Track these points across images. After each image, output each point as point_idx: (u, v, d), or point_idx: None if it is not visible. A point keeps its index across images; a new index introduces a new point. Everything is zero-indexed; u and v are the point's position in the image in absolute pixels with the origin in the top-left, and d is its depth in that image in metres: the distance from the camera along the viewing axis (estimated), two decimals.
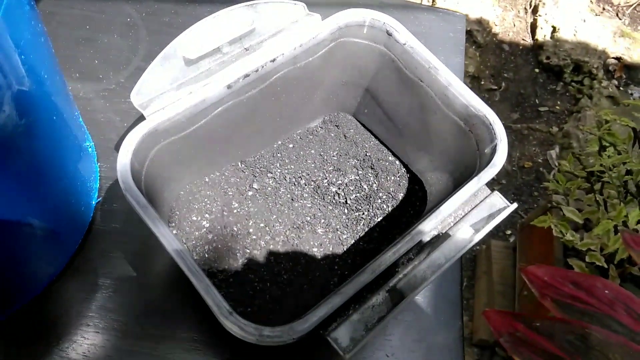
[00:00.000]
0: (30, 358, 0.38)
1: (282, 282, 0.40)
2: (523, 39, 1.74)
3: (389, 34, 0.41)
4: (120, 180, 0.33)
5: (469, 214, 0.37)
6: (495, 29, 1.75)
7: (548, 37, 1.70)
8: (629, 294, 0.74)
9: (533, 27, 1.73)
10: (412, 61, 0.41)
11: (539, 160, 1.54)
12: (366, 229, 0.44)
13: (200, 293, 0.30)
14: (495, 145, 0.37)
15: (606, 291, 0.82)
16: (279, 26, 0.41)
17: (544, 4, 1.76)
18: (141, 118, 0.47)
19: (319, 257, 0.42)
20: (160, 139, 0.36)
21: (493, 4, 1.81)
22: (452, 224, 0.37)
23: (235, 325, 0.30)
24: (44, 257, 0.39)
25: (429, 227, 0.34)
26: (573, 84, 1.61)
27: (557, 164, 1.47)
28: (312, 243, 0.43)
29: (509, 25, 1.77)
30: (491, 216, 0.37)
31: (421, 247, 0.36)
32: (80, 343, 0.39)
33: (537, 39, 1.69)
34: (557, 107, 1.59)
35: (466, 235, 0.35)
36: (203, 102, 0.37)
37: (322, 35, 0.41)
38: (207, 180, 0.44)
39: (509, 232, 1.39)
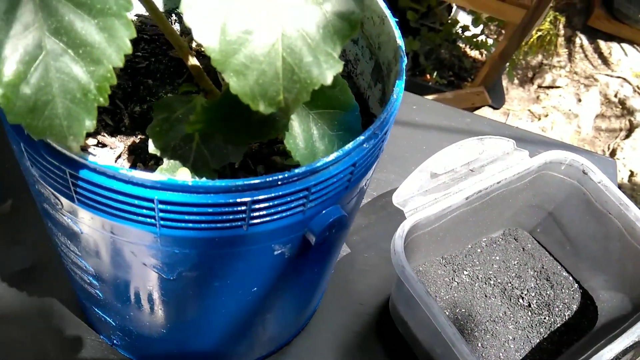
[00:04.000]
0: None
1: None
2: None
3: (585, 173, 0.52)
4: (397, 259, 0.43)
5: None
6: None
7: (625, 180, 1.78)
8: None
9: None
10: (603, 197, 0.51)
11: None
12: (548, 332, 0.52)
13: None
14: None
15: None
16: (495, 156, 0.53)
17: (622, 148, 1.86)
18: (360, 211, 0.59)
19: (514, 349, 0.50)
20: (414, 232, 0.47)
21: (572, 142, 1.93)
22: None
23: None
24: (301, 314, 0.48)
25: (636, 334, 0.42)
26: None
27: None
28: (507, 337, 0.51)
29: None
30: None
31: (627, 349, 0.43)
32: None
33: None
34: None
35: None
36: (448, 208, 0.48)
37: (532, 168, 0.52)
38: (420, 269, 0.53)
39: None
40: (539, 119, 1.99)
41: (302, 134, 0.30)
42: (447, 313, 0.51)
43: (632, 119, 2.01)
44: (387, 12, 0.35)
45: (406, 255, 0.49)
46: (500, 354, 0.49)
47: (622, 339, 0.41)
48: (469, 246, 0.57)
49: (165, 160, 0.31)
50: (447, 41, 1.93)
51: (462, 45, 1.97)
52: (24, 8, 0.20)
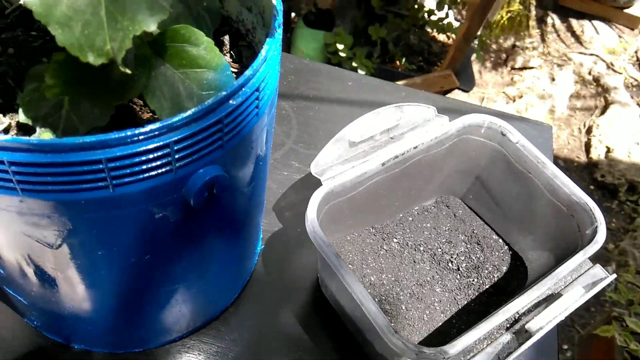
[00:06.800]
0: None
1: (412, 327, 0.49)
2: (577, 157, 1.84)
3: (503, 134, 0.53)
4: (310, 225, 0.43)
5: (576, 280, 0.45)
6: None
7: (602, 157, 1.79)
8: None
9: (587, 146, 1.84)
10: (522, 156, 0.52)
11: None
12: (476, 294, 0.52)
13: (371, 317, 0.39)
14: (596, 227, 0.46)
15: None
16: (416, 123, 0.53)
17: (598, 125, 1.87)
18: (292, 187, 0.59)
19: (439, 310, 0.51)
20: (331, 199, 0.47)
21: (547, 122, 1.94)
22: (562, 287, 0.45)
23: (399, 342, 0.38)
24: (228, 288, 0.49)
25: (546, 286, 0.43)
26: (628, 202, 1.67)
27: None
28: (432, 299, 0.51)
29: (563, 143, 1.89)
30: (594, 283, 0.45)
31: (538, 302, 0.44)
32: None
33: (591, 158, 1.78)
34: (613, 224, 1.64)
35: (577, 294, 0.43)
36: (364, 174, 0.48)
37: (451, 132, 0.52)
38: (348, 238, 0.54)
39: (565, 346, 1.39)
40: (514, 100, 2.00)
41: (167, 93, 0.30)
42: (372, 279, 0.51)
43: (607, 95, 2.02)
44: None
45: (326, 224, 0.49)
46: (425, 315, 0.50)
47: (529, 294, 0.42)
48: (401, 215, 0.57)
49: (37, 129, 0.31)
50: (415, 27, 1.94)
51: (430, 30, 1.97)
52: None
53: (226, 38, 0.42)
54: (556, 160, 1.82)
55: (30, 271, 0.36)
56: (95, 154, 0.26)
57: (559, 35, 2.26)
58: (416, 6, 1.88)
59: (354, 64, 1.66)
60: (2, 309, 0.47)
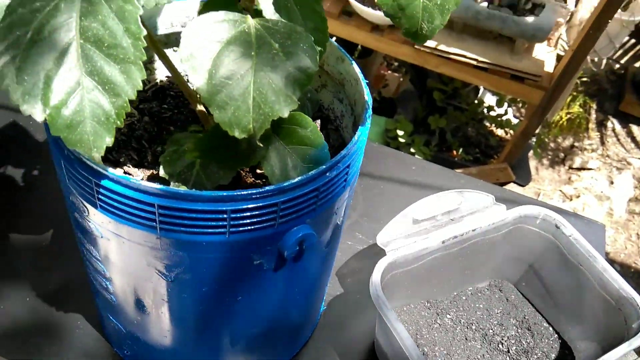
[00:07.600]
0: None
1: None
2: (635, 262, 1.80)
3: (557, 227, 0.57)
4: (373, 288, 0.48)
5: None
6: (606, 248, 1.83)
7: None
8: None
9: None
10: (574, 249, 0.55)
11: None
12: None
13: None
14: None
15: None
16: (475, 208, 0.58)
17: None
18: (355, 256, 0.65)
19: None
20: (393, 269, 0.53)
21: (604, 225, 1.92)
22: None
23: None
24: (292, 340, 0.53)
25: None
26: None
27: None
28: None
29: (620, 247, 1.85)
30: None
31: None
32: None
33: None
34: None
35: None
36: (425, 249, 0.54)
37: (507, 220, 0.57)
38: (404, 309, 0.58)
39: None
40: (571, 199, 2.00)
41: (278, 163, 0.37)
42: (425, 349, 0.55)
43: None
44: (360, 76, 0.44)
45: (387, 292, 0.54)
46: None
47: None
48: (455, 293, 0.61)
49: (172, 183, 0.39)
50: (474, 120, 2.02)
51: (488, 124, 2.05)
52: (70, 56, 0.29)
53: (318, 122, 0.50)
54: (612, 264, 1.78)
55: (138, 300, 0.42)
56: (224, 205, 0.33)
57: (618, 140, 2.28)
58: (476, 101, 1.97)
59: (412, 150, 1.74)
60: (98, 338, 0.54)
